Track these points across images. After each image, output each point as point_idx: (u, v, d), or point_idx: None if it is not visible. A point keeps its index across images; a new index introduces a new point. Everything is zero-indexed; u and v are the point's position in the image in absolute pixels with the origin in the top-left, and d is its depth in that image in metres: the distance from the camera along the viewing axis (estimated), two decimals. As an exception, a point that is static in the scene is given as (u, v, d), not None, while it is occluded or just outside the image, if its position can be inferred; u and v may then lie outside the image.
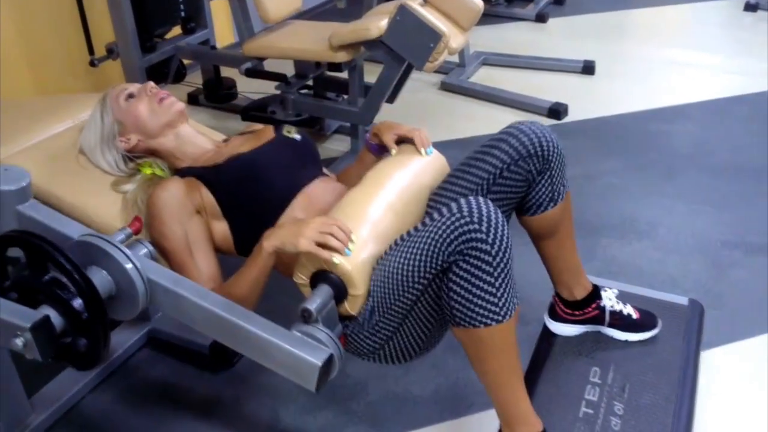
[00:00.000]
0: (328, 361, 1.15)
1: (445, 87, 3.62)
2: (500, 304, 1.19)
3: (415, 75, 2.80)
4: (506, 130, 1.43)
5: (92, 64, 2.94)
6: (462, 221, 1.16)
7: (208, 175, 1.46)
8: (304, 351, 1.15)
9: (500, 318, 1.19)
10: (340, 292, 1.23)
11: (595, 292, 1.64)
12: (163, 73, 3.07)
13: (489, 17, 4.35)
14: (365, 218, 1.31)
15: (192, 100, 3.44)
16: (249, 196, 1.43)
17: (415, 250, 1.21)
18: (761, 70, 3.79)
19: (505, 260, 1.17)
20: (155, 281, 1.19)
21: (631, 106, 3.43)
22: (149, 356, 1.90)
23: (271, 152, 1.52)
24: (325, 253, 1.20)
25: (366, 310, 1.28)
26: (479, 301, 1.18)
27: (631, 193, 2.65)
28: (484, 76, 3.76)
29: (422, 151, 1.49)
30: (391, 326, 1.29)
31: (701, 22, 4.38)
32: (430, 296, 1.25)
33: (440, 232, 1.18)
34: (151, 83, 1.61)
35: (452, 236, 1.16)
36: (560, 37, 4.44)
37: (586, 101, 3.45)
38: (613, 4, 4.89)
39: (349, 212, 1.32)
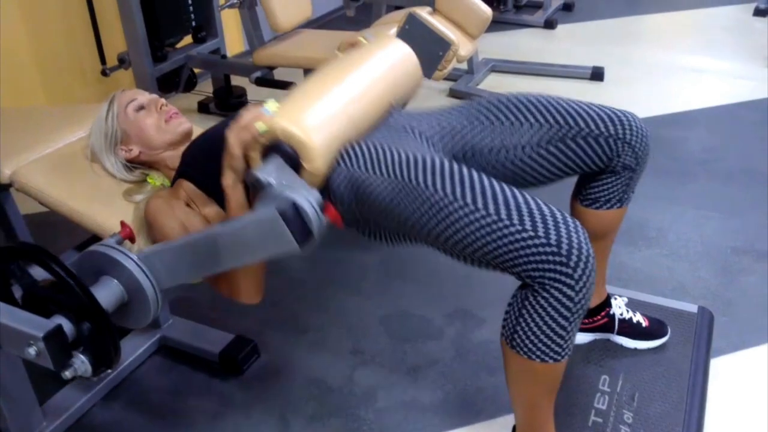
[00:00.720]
0: (294, 211, 1.06)
1: (454, 94, 3.62)
2: (566, 345, 1.14)
3: (423, 82, 2.80)
4: (621, 111, 1.37)
5: (104, 73, 2.97)
6: (548, 249, 1.06)
7: (181, 167, 1.47)
8: (261, 212, 1.09)
9: (560, 358, 1.15)
10: (292, 157, 1.15)
11: (605, 301, 1.64)
12: (174, 81, 3.10)
13: (497, 24, 4.36)
14: (321, 95, 1.24)
15: (202, 108, 3.47)
16: (218, 164, 1.35)
17: (464, 226, 1.10)
18: None
19: (585, 301, 1.10)
20: (148, 257, 1.18)
21: (640, 112, 3.38)
22: (159, 364, 1.91)
23: (225, 120, 1.49)
24: (249, 128, 1.16)
25: (350, 189, 1.22)
26: (546, 339, 1.12)
27: (641, 199, 2.64)
28: (493, 83, 3.77)
29: (362, 39, 1.46)
30: (382, 226, 1.24)
31: (710, 28, 4.36)
32: (457, 253, 1.17)
33: (517, 245, 1.07)
34: (163, 100, 1.61)
35: (533, 259, 1.07)
36: (569, 43, 4.44)
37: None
38: (622, 10, 4.88)
39: (302, 96, 1.25)
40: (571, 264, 1.05)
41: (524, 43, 4.44)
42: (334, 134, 1.21)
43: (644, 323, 1.67)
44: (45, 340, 1.08)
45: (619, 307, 1.67)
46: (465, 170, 1.15)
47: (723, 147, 3.05)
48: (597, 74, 3.78)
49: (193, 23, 3.08)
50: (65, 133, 1.76)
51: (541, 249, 1.06)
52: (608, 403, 1.52)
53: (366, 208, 1.23)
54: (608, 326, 1.66)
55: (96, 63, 3.01)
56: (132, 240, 1.30)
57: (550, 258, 1.06)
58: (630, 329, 1.66)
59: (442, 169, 1.15)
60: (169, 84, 3.07)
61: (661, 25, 4.59)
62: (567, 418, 1.47)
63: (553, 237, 1.06)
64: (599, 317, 1.65)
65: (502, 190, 1.12)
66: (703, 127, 3.25)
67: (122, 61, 2.88)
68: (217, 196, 1.38)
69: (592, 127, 1.33)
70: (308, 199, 1.08)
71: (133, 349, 1.87)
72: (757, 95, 3.56)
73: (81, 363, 1.13)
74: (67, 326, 1.12)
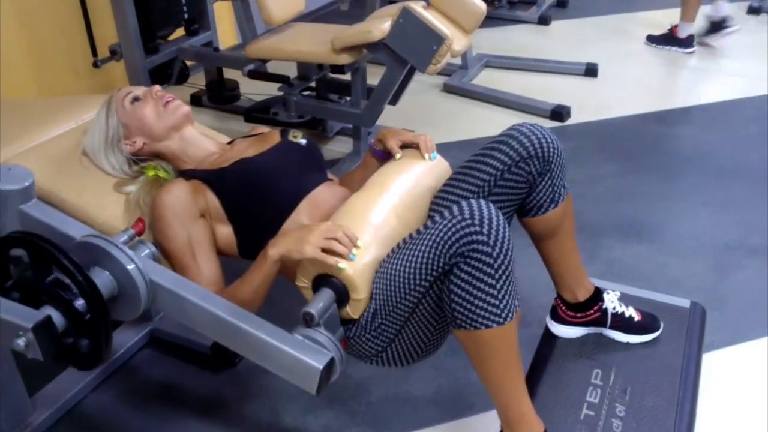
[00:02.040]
0: (329, 365, 1.15)
1: (448, 89, 3.62)
2: (501, 305, 1.19)
3: (417, 77, 2.80)
4: (506, 132, 1.43)
5: (95, 65, 2.95)
6: (463, 223, 1.17)
7: (213, 179, 1.46)
8: (305, 354, 1.15)
9: (501, 320, 1.19)
10: (342, 296, 1.24)
11: (598, 295, 1.64)
12: (166, 74, 3.08)
13: (491, 20, 4.35)
14: (368, 222, 1.32)
15: (195, 101, 3.45)
16: (254, 201, 1.43)
17: (416, 253, 1.21)
18: (764, 73, 3.79)
19: (506, 262, 1.17)
20: (157, 282, 1.20)
21: (633, 108, 3.43)
22: (151, 356, 1.90)
23: (276, 157, 1.52)
24: (330, 259, 1.21)
25: (368, 314, 1.28)
26: (480, 303, 1.18)
27: (634, 195, 2.65)
28: (487, 79, 3.77)
29: (426, 156, 1.50)
30: (393, 329, 1.29)
31: (704, 25, 4.36)
32: (431, 299, 1.25)
33: (441, 234, 1.18)
34: (157, 87, 1.60)
35: (453, 238, 1.17)
36: (563, 39, 4.44)
37: (589, 104, 3.45)
38: (616, 6, 4.89)
39: (351, 217, 1.33)
40: (484, 231, 1.16)
41: (518, 39, 4.44)
42: (375, 265, 1.29)
43: (637, 317, 1.67)
44: (34, 331, 1.08)
45: (611, 302, 1.67)
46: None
47: (716, 143, 3.06)
48: (591, 70, 3.78)
49: (186, 15, 3.06)
50: (57, 124, 1.75)
51: (456, 226, 1.17)
52: (600, 396, 1.52)
53: (384, 314, 1.28)
54: (601, 320, 1.66)
55: (87, 55, 2.98)
56: (141, 235, 1.31)
57: (465, 231, 1.16)
58: (622, 323, 1.66)
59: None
60: (162, 76, 3.05)
61: (655, 21, 4.59)
62: (559, 412, 1.47)
63: (465, 213, 1.18)
64: (592, 311, 1.65)
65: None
66: (696, 124, 3.26)
67: (114, 53, 2.86)
68: (236, 224, 1.44)
69: (498, 167, 1.39)
70: (338, 348, 1.19)
71: (125, 341, 1.86)
72: (750, 92, 3.57)
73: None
74: (57, 317, 1.11)
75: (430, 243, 1.20)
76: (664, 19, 4.51)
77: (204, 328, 1.23)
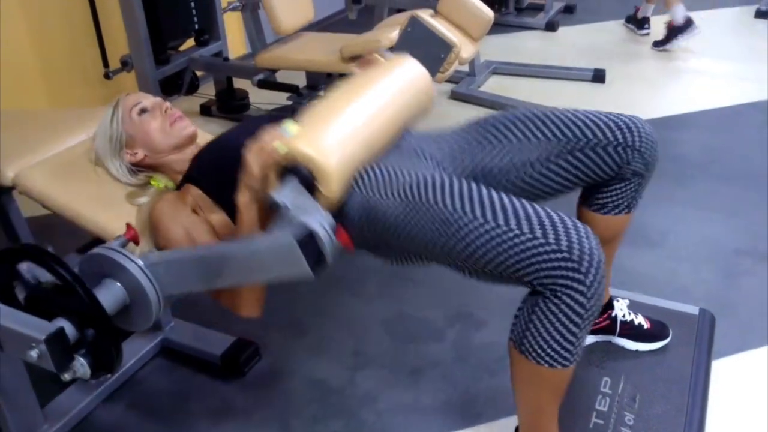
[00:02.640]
0: (310, 238, 1.07)
1: (456, 96, 3.63)
2: (575, 351, 1.13)
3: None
4: (628, 117, 1.37)
5: (107, 76, 2.98)
6: (559, 255, 1.06)
7: (191, 172, 1.47)
8: (278, 236, 1.09)
9: (569, 363, 1.14)
10: (308, 180, 1.15)
11: (607, 302, 1.64)
12: (177, 84, 3.10)
13: (499, 26, 4.36)
14: (337, 118, 1.24)
15: (205, 111, 3.48)
16: (228, 172, 1.36)
17: (476, 238, 1.11)
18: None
19: (596, 307, 1.10)
20: (154, 264, 1.18)
21: (641, 113, 3.37)
22: (161, 366, 1.91)
23: (239, 128, 1.51)
24: (268, 150, 1.17)
25: (363, 217, 1.23)
26: (555, 345, 1.12)
27: (642, 201, 2.63)
28: (494, 85, 3.77)
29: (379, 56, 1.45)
30: (397, 245, 1.24)
31: (712, 29, 4.36)
32: (470, 268, 1.18)
33: (528, 252, 1.08)
34: (167, 103, 1.61)
35: (544, 266, 1.07)
36: (570, 45, 4.44)
37: (597, 109, 3.44)
38: (623, 12, 4.87)
39: (316, 117, 1.25)
40: (583, 270, 1.06)
41: (526, 46, 4.44)
42: (349, 157, 1.22)
43: (646, 325, 1.67)
44: (47, 343, 1.09)
45: (621, 309, 1.67)
46: (474, 187, 1.17)
47: (725, 149, 3.05)
48: (598, 76, 3.78)
49: (196, 26, 3.09)
50: (68, 135, 1.76)
51: (552, 255, 1.06)
52: (609, 404, 1.52)
53: (379, 231, 1.24)
54: (610, 328, 1.66)
55: (99, 66, 3.01)
56: (136, 242, 1.30)
57: (562, 264, 1.06)
58: (632, 331, 1.66)
59: (452, 187, 1.17)
60: (172, 87, 3.08)
61: (662, 26, 4.59)
62: (568, 420, 1.47)
63: (564, 243, 1.06)
64: (601, 319, 1.65)
65: (511, 202, 1.13)
66: (704, 129, 3.25)
67: (125, 64, 2.89)
68: (225, 204, 1.40)
69: (600, 136, 1.34)
70: (323, 225, 1.09)
71: (135, 351, 1.88)
72: (758, 97, 3.56)
73: (81, 366, 1.14)
74: (69, 329, 1.13)
75: (507, 248, 1.09)
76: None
77: (197, 279, 1.20)
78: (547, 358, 1.13)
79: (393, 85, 1.38)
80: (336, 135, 1.21)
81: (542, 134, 1.36)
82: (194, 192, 1.43)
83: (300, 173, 1.15)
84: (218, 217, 1.43)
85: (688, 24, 4.09)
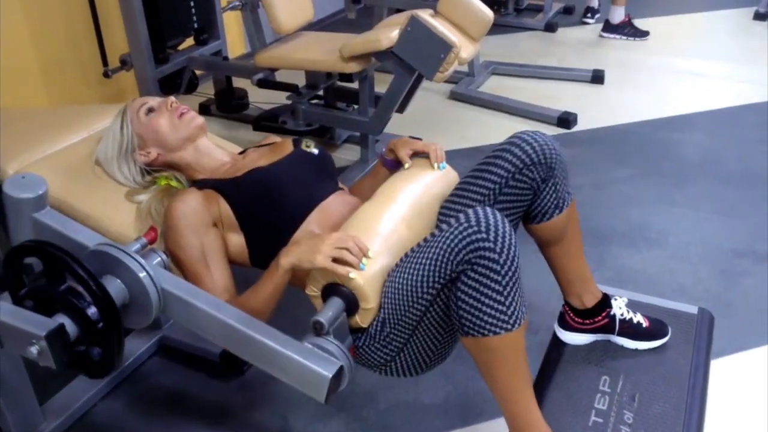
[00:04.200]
0: (338, 373, 1.16)
1: (455, 96, 3.63)
2: (509, 312, 1.19)
3: (425, 84, 2.81)
4: (510, 140, 1.44)
5: (106, 75, 2.97)
6: (469, 230, 1.17)
7: (227, 188, 1.47)
8: (314, 363, 1.16)
9: (509, 326, 1.20)
10: (352, 305, 1.24)
11: (606, 301, 1.64)
12: (176, 83, 3.10)
13: (498, 27, 4.37)
14: (377, 232, 1.32)
15: (204, 110, 3.48)
16: (266, 210, 1.45)
17: (424, 261, 1.22)
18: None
19: (513, 269, 1.18)
20: (169, 291, 1.21)
21: (640, 114, 3.43)
22: (160, 364, 1.91)
23: (289, 167, 1.53)
24: (341, 269, 1.22)
25: (377, 323, 1.29)
26: (488, 310, 1.18)
27: (641, 201, 2.65)
28: (494, 86, 3.78)
29: (435, 165, 1.51)
30: (401, 338, 1.30)
31: (710, 31, 4.38)
32: (439, 306, 1.25)
33: (448, 242, 1.19)
34: (172, 98, 1.62)
35: (460, 246, 1.17)
36: (569, 46, 4.45)
37: (596, 110, 3.46)
38: (623, 13, 4.89)
39: (361, 226, 1.34)
40: (491, 238, 1.16)
41: (525, 46, 4.45)
42: (384, 274, 1.30)
43: (645, 324, 1.67)
44: (47, 339, 1.09)
45: (619, 308, 1.67)
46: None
47: (723, 150, 3.06)
48: (597, 77, 3.79)
49: (195, 25, 3.09)
50: (68, 133, 1.77)
51: (464, 233, 1.17)
52: (609, 403, 1.52)
53: (391, 324, 1.29)
54: (609, 327, 1.66)
55: (98, 64, 3.01)
56: (152, 242, 1.32)
57: (472, 237, 1.17)
58: (631, 330, 1.66)
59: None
60: (171, 86, 3.08)
61: (662, 28, 4.60)
62: (567, 419, 1.47)
63: (472, 220, 1.19)
64: (600, 318, 1.65)
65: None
66: (703, 130, 3.26)
67: (124, 63, 2.89)
68: (248, 232, 1.46)
69: (501, 175, 1.41)
70: (347, 357, 1.20)
71: (134, 348, 1.88)
72: (756, 98, 3.57)
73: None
74: (70, 325, 1.13)
75: (438, 251, 1.20)
76: (670, 25, 4.52)
77: (214, 336, 1.24)
78: (487, 326, 1.19)
79: (431, 203, 1.47)
80: (386, 271, 1.29)
81: (470, 201, 1.44)
82: (223, 206, 1.45)
83: (344, 295, 1.24)
84: (236, 239, 1.47)
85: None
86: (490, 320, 1.19)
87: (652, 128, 3.29)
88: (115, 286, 1.18)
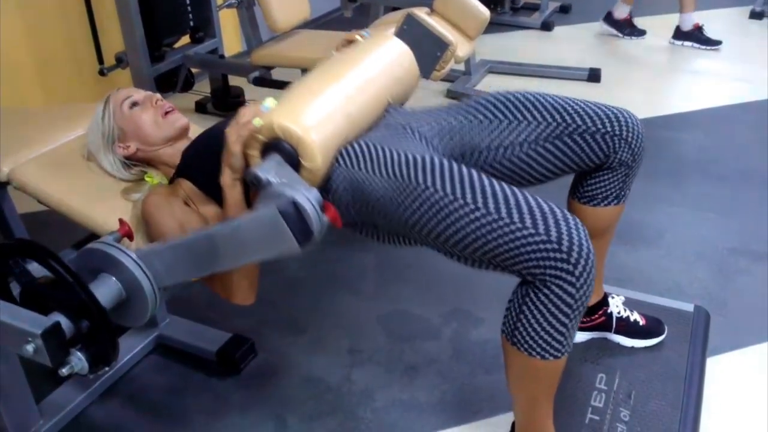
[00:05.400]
0: (295, 210, 1.05)
1: (451, 95, 3.63)
2: (566, 342, 1.15)
3: (421, 83, 2.80)
4: (616, 108, 1.38)
5: (101, 73, 2.97)
6: (548, 246, 1.06)
7: (181, 165, 1.46)
8: (262, 211, 1.08)
9: (560, 354, 1.16)
10: (289, 154, 1.15)
11: (603, 299, 1.65)
12: (172, 81, 3.10)
13: (495, 26, 4.37)
14: (318, 94, 1.24)
15: (200, 108, 3.47)
16: (217, 163, 1.35)
17: (466, 225, 1.11)
18: (766, 77, 3.79)
19: (586, 298, 1.11)
20: (146, 255, 1.18)
21: (637, 113, 3.38)
22: (156, 362, 1.91)
23: (225, 120, 1.48)
24: (246, 124, 1.17)
25: (341, 194, 1.23)
26: (546, 336, 1.13)
27: (637, 200, 2.65)
28: (490, 84, 3.78)
29: (357, 36, 1.48)
30: (377, 223, 1.24)
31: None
32: (457, 253, 1.17)
33: (517, 242, 1.08)
34: (158, 95, 1.60)
35: (532, 256, 1.07)
36: (566, 45, 4.45)
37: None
38: (619, 12, 4.89)
39: (297, 93, 1.25)
40: (572, 261, 1.06)
41: (521, 45, 4.45)
42: (332, 132, 1.21)
43: (641, 322, 1.67)
44: (43, 338, 1.08)
45: (616, 306, 1.68)
46: (464, 169, 1.16)
47: (719, 148, 3.06)
48: (594, 76, 3.79)
49: (191, 23, 3.09)
50: (63, 131, 1.76)
51: (541, 246, 1.06)
52: (605, 401, 1.52)
53: (365, 209, 1.23)
54: (606, 325, 1.66)
55: (94, 62, 3.01)
56: (130, 238, 1.30)
57: (551, 255, 1.06)
58: (627, 328, 1.66)
59: (441, 168, 1.15)
60: (167, 84, 3.07)
61: (658, 26, 4.60)
62: (564, 416, 1.47)
63: (553, 234, 1.06)
64: (597, 316, 1.65)
65: (502, 189, 1.12)
66: (699, 129, 3.26)
67: (120, 61, 2.88)
68: (217, 195, 1.38)
69: (589, 124, 1.35)
70: (308, 198, 1.07)
71: (131, 347, 1.87)
72: (753, 97, 3.58)
73: (78, 360, 1.13)
74: (65, 323, 1.12)
75: (496, 236, 1.09)
76: (666, 24, 4.52)
77: (192, 264, 1.19)
78: (538, 350, 1.14)
79: (375, 61, 1.38)
80: (317, 110, 1.20)
81: (532, 117, 1.37)
82: (186, 186, 1.43)
83: (282, 149, 1.14)
84: (211, 209, 1.42)
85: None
86: (545, 345, 1.14)
87: (649, 127, 3.26)
88: (109, 285, 1.17)
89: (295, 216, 1.06)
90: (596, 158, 1.37)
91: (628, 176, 1.42)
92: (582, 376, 1.59)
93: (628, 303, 1.71)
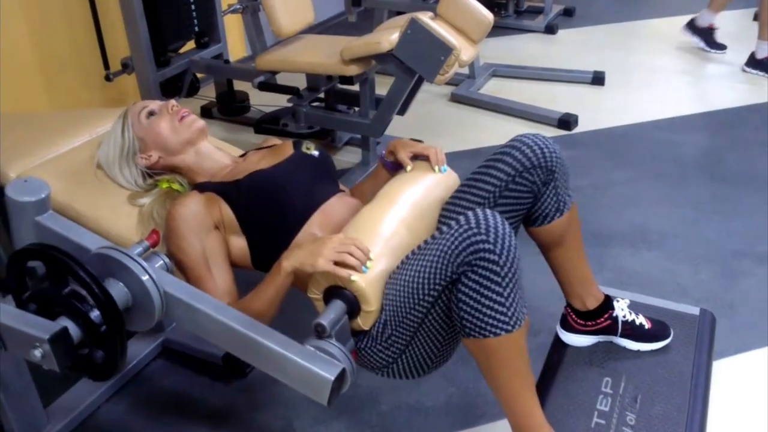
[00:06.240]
0: (340, 376, 1.16)
1: (455, 98, 3.64)
2: (509, 313, 1.20)
3: (425, 87, 2.82)
4: (510, 142, 1.45)
5: (107, 78, 2.98)
6: (470, 232, 1.18)
7: (228, 191, 1.47)
8: (316, 365, 1.16)
9: (510, 328, 1.20)
10: (353, 307, 1.25)
11: (608, 303, 1.65)
12: (177, 87, 3.11)
13: (498, 29, 4.38)
14: (378, 234, 1.33)
15: (205, 113, 3.48)
16: (268, 212, 1.45)
17: (425, 263, 1.23)
18: None
19: (513, 270, 1.19)
20: (171, 294, 1.21)
21: (641, 116, 3.43)
22: (163, 366, 1.91)
23: (289, 169, 1.54)
24: (343, 272, 1.22)
25: (378, 325, 1.29)
26: (489, 311, 1.19)
27: (641, 202, 2.65)
28: (494, 88, 3.78)
29: (436, 168, 1.51)
30: (403, 340, 1.30)
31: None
32: (440, 308, 1.26)
33: (449, 244, 1.20)
34: (173, 101, 1.62)
35: (460, 247, 1.18)
36: (570, 48, 4.45)
37: (596, 112, 3.46)
38: (623, 15, 4.90)
39: (362, 229, 1.34)
40: (491, 240, 1.17)
41: (525, 48, 4.45)
42: (385, 277, 1.30)
43: (647, 325, 1.67)
44: (51, 342, 1.09)
45: (622, 309, 1.67)
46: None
47: (723, 150, 3.06)
48: (598, 79, 3.79)
49: (196, 29, 3.09)
50: (70, 137, 1.77)
51: (464, 235, 1.18)
52: (611, 404, 1.52)
53: (390, 331, 1.29)
54: (611, 328, 1.66)
55: (99, 68, 3.02)
56: (154, 246, 1.32)
57: (472, 239, 1.17)
58: (633, 331, 1.66)
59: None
60: (172, 89, 3.08)
61: (662, 29, 4.60)
62: (570, 421, 1.47)
63: (472, 222, 1.19)
64: (602, 319, 1.65)
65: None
66: (703, 131, 3.26)
67: (125, 66, 2.89)
68: (250, 235, 1.46)
69: (496, 183, 1.42)
70: (349, 359, 1.20)
71: (137, 351, 1.88)
72: (756, 99, 3.57)
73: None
74: (73, 329, 1.13)
75: (438, 253, 1.21)
76: (670, 27, 4.52)
77: (217, 339, 1.24)
78: (488, 328, 1.20)
79: (433, 205, 1.47)
80: (387, 273, 1.30)
81: (470, 203, 1.44)
82: (224, 209, 1.45)
83: (349, 300, 1.24)
84: (238, 242, 1.47)
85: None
86: (490, 321, 1.19)
87: (653, 129, 3.30)
88: (117, 290, 1.18)
89: (338, 384, 1.17)
90: (529, 196, 1.44)
91: (557, 188, 1.46)
92: (587, 380, 1.58)
93: (634, 306, 1.71)
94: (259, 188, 1.47)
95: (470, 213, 1.22)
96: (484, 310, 1.19)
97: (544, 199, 1.46)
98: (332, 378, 1.15)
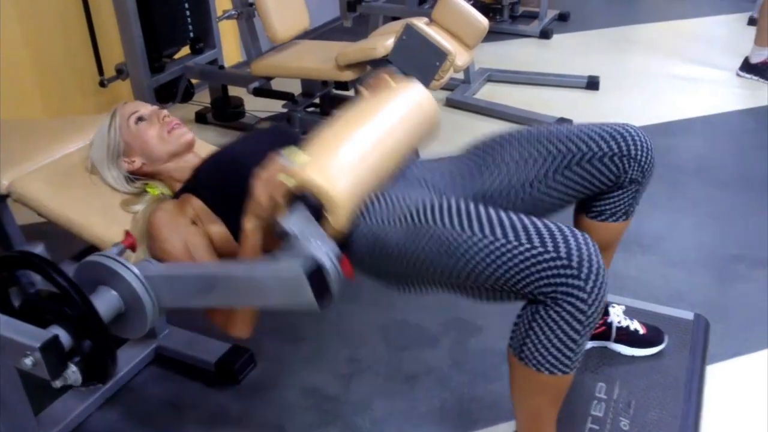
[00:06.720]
0: (318, 271, 1.07)
1: (451, 103, 3.64)
2: (575, 357, 1.14)
3: (420, 92, 2.82)
4: (621, 126, 1.38)
5: (102, 84, 2.98)
6: (558, 263, 1.06)
7: (192, 183, 1.46)
8: (282, 264, 1.09)
9: (569, 370, 1.15)
10: (311, 202, 1.16)
11: (604, 309, 1.65)
12: (172, 92, 3.11)
13: (493, 34, 4.38)
14: (350, 143, 1.26)
15: (200, 118, 3.48)
16: (232, 186, 1.38)
17: (476, 254, 1.12)
18: (765, 84, 3.80)
19: (597, 314, 1.10)
20: (151, 276, 1.19)
21: (635, 120, 3.40)
22: (155, 373, 1.91)
23: (243, 143, 1.51)
24: (275, 179, 1.17)
25: (364, 240, 1.24)
26: (555, 352, 1.12)
27: (636, 207, 2.65)
28: (489, 93, 3.79)
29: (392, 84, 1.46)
30: (410, 269, 1.24)
31: (705, 37, 4.39)
32: (480, 290, 1.19)
33: (527, 263, 1.08)
34: (165, 111, 1.61)
35: (542, 274, 1.07)
36: (564, 53, 4.46)
37: (591, 116, 3.46)
38: (617, 19, 4.91)
39: (331, 139, 1.26)
40: (582, 276, 1.06)
41: (520, 53, 4.46)
42: (357, 186, 1.23)
43: (641, 331, 1.67)
44: (42, 351, 1.08)
45: (617, 315, 1.68)
46: (472, 206, 1.18)
47: (718, 155, 3.07)
48: (592, 83, 3.80)
49: (191, 34, 3.10)
50: (63, 144, 1.76)
51: (551, 264, 1.07)
52: (605, 410, 1.52)
53: (382, 259, 1.25)
54: (606, 334, 1.66)
55: (94, 74, 3.02)
56: (134, 249, 1.31)
57: (561, 272, 1.06)
58: (627, 337, 1.66)
59: (450, 208, 1.18)
60: (167, 95, 3.08)
61: (657, 34, 4.62)
62: (564, 426, 1.46)
63: (562, 251, 1.07)
64: (597, 325, 1.65)
65: (508, 216, 1.14)
66: (698, 135, 3.26)
67: (120, 72, 2.89)
68: (226, 218, 1.41)
69: (595, 149, 1.35)
70: (331, 257, 1.09)
71: (130, 358, 1.87)
72: (751, 104, 3.58)
73: (72, 373, 1.13)
74: (64, 336, 1.12)
75: (505, 260, 1.10)
76: (665, 31, 4.53)
77: (198, 295, 1.21)
78: (547, 365, 1.14)
79: (400, 111, 1.38)
80: (344, 162, 1.21)
81: (538, 153, 1.37)
82: (195, 203, 1.43)
83: (308, 201, 1.15)
84: (218, 229, 1.43)
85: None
86: (551, 360, 1.13)
87: (648, 134, 3.28)
88: (109, 297, 1.18)
89: (317, 276, 1.07)
90: (607, 181, 1.38)
91: (638, 192, 1.43)
92: (582, 385, 1.58)
93: (628, 312, 1.71)
94: (214, 165, 1.45)
95: (559, 233, 1.09)
96: (552, 349, 1.12)
97: (622, 195, 1.42)
98: (301, 268, 1.06)
